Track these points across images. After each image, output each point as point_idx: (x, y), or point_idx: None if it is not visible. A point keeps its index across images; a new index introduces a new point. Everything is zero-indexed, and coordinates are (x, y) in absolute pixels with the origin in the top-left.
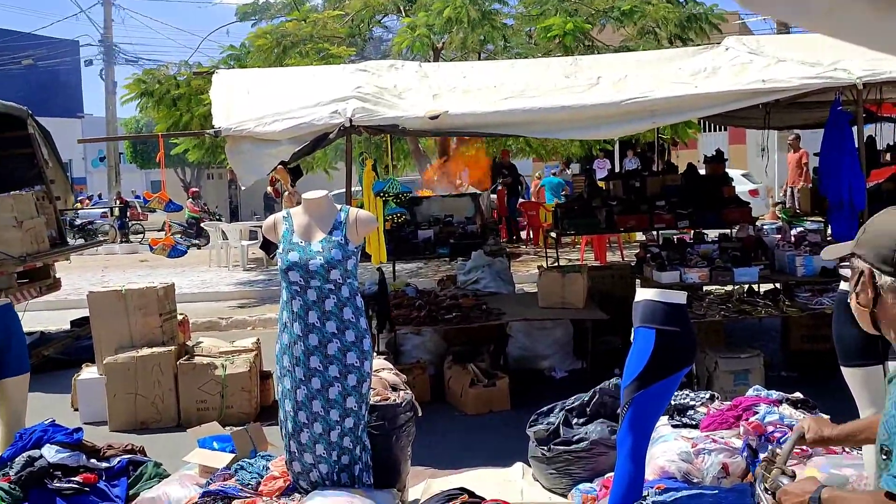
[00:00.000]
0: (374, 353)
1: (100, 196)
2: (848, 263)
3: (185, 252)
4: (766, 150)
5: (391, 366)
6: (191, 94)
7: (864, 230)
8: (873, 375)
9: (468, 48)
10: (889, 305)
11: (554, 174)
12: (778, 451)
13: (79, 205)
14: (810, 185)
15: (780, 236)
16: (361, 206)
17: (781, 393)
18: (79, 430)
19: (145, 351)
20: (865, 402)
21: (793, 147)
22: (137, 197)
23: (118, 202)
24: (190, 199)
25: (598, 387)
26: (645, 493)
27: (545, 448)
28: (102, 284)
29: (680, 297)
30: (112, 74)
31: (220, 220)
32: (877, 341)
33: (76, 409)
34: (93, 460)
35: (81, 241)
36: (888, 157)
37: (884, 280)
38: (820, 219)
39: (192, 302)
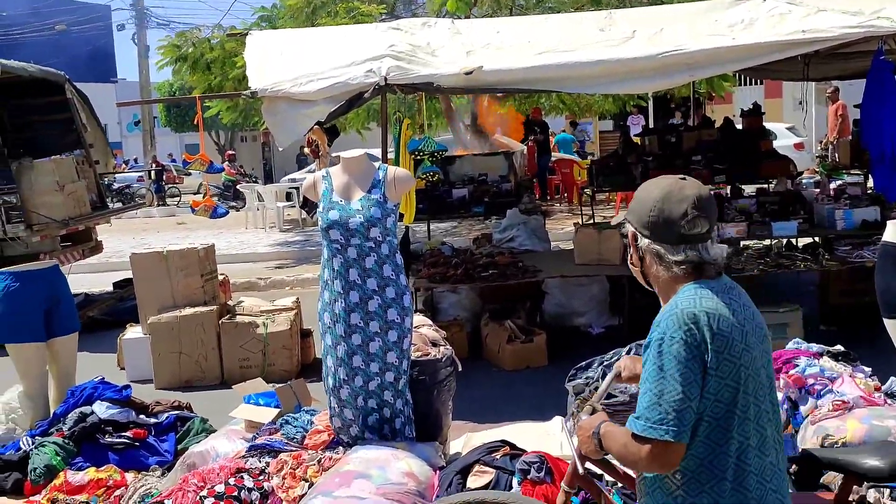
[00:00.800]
0: (414, 309)
1: (136, 160)
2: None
3: (227, 213)
4: (805, 103)
5: (431, 322)
6: (224, 56)
7: (636, 196)
8: None
9: (501, 3)
10: (648, 264)
11: (563, 131)
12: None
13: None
14: (849, 137)
15: (818, 190)
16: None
17: (822, 346)
18: (127, 387)
19: (188, 311)
20: None
21: (831, 99)
22: (174, 161)
23: (154, 166)
24: (226, 162)
25: (636, 342)
26: None
27: None
28: (143, 247)
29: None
30: (144, 38)
31: (255, 182)
32: None
33: (122, 368)
34: (142, 416)
35: (120, 204)
36: None
37: (643, 242)
38: (859, 171)
39: (230, 263)
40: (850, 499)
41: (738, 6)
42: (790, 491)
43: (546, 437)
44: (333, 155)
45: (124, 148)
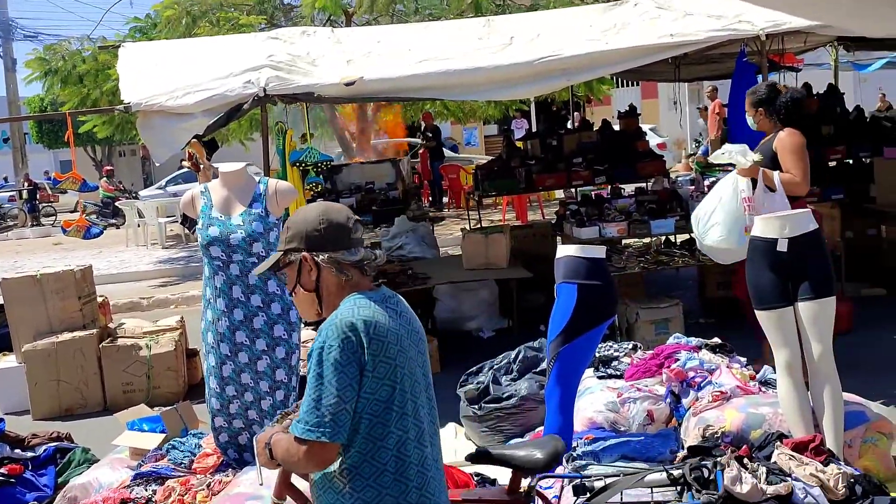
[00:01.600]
0: (302, 325)
1: (6, 179)
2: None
3: (102, 233)
4: (679, 103)
5: None
6: (97, 69)
7: (287, 229)
8: (785, 317)
9: (378, 10)
10: (325, 280)
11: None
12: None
13: None
14: (719, 135)
15: (693, 188)
16: (280, 177)
17: (701, 339)
18: (0, 420)
19: (66, 336)
20: (779, 342)
21: (710, 98)
22: (48, 178)
23: (26, 184)
24: (104, 178)
25: (524, 345)
26: (574, 444)
27: (476, 407)
28: (16, 270)
29: (599, 252)
30: (11, 51)
31: (136, 197)
32: (787, 285)
33: None
34: (17, 451)
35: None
36: None
37: (322, 257)
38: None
39: (111, 283)
40: (521, 489)
41: (611, 11)
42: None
43: (441, 443)
44: (215, 167)
45: None
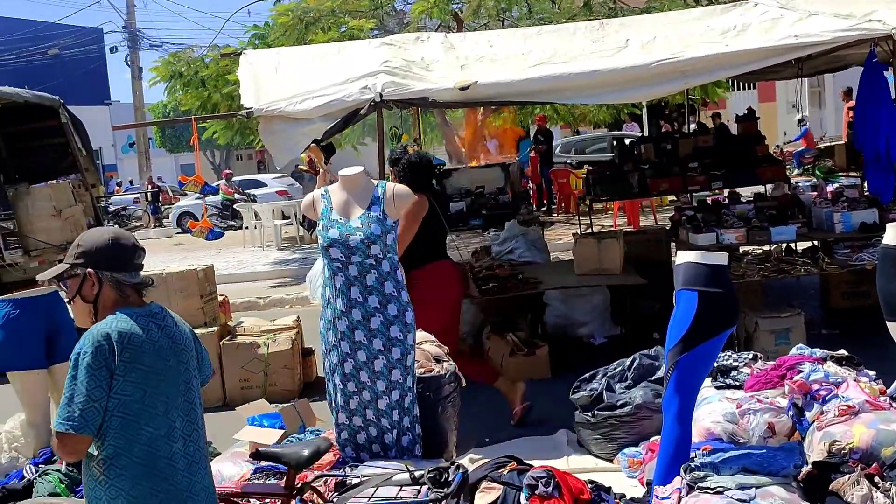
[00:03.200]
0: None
1: (131, 182)
2: None
3: (223, 234)
4: (793, 106)
5: (433, 338)
6: (218, 73)
7: (77, 245)
8: None
9: (488, 14)
10: (105, 295)
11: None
12: None
13: (116, 189)
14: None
15: (815, 193)
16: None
17: (826, 351)
18: None
19: None
20: None
21: (843, 100)
22: (163, 182)
23: (150, 187)
24: (224, 181)
25: (639, 352)
26: (692, 454)
27: (590, 414)
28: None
29: (721, 259)
30: (137, 60)
31: (254, 200)
32: None
33: None
34: None
35: (117, 227)
36: None
37: (106, 275)
38: (856, 174)
39: (229, 283)
40: (297, 484)
41: (730, 12)
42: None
43: (552, 451)
44: (337, 174)
45: (119, 170)
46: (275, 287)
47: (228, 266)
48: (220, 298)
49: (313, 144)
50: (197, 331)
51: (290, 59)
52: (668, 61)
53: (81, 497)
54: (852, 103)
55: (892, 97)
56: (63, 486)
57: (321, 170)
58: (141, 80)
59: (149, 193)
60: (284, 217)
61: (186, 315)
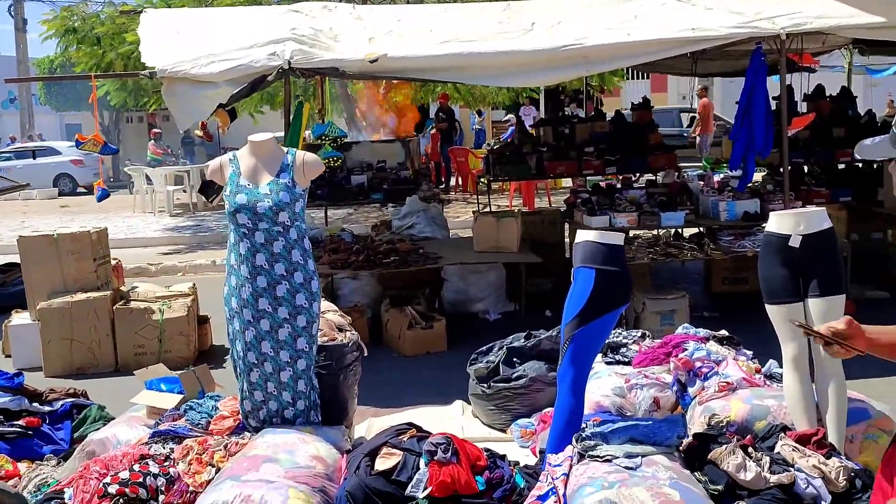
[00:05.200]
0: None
1: (12, 139)
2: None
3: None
4: (683, 98)
5: (336, 307)
6: (114, 31)
7: None
8: (794, 312)
9: None
10: None
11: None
12: None
13: None
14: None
15: (703, 182)
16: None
17: (709, 331)
18: (19, 374)
19: (80, 296)
20: (787, 336)
21: (699, 96)
22: (42, 140)
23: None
24: (152, 141)
25: (545, 335)
26: (583, 425)
27: (485, 385)
28: (27, 230)
29: (618, 239)
30: (22, 11)
31: (184, 162)
32: (798, 281)
33: (8, 356)
34: (35, 404)
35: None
36: (806, 106)
37: None
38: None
39: (119, 248)
40: None
41: (631, 1)
42: None
43: (447, 420)
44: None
45: None
46: (166, 254)
47: (118, 231)
48: (113, 262)
49: (220, 109)
50: (90, 294)
51: (194, 21)
52: (574, 47)
53: None
54: (706, 101)
55: (768, 96)
56: None
57: (223, 134)
58: (25, 33)
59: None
60: (177, 182)
61: (79, 277)
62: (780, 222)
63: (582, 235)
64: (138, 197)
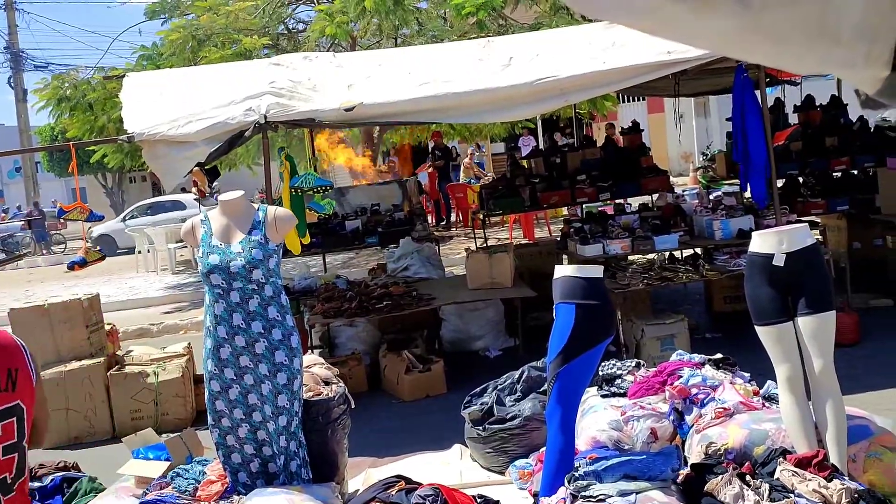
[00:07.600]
0: (309, 349)
1: (19, 208)
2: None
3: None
4: (681, 116)
5: (322, 360)
6: (105, 96)
7: None
8: (784, 332)
9: (384, 34)
10: None
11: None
12: None
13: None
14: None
15: (697, 202)
16: (281, 203)
17: (703, 355)
18: None
19: (73, 364)
20: (779, 357)
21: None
22: (53, 206)
23: (36, 213)
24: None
25: (527, 365)
26: (577, 464)
27: (480, 428)
28: (27, 299)
29: (596, 272)
30: (21, 82)
31: (183, 219)
32: (786, 300)
33: None
34: None
35: (2, 255)
36: (797, 117)
37: None
38: (736, 181)
39: (121, 310)
40: None
41: (611, 28)
42: None
43: (445, 466)
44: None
45: (6, 195)
46: (168, 313)
47: (120, 292)
48: (107, 327)
49: (196, 168)
50: (83, 362)
51: (176, 81)
52: (548, 80)
53: None
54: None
55: (759, 108)
56: None
57: (204, 193)
58: (26, 103)
59: (28, 221)
60: (179, 240)
61: (73, 345)
62: (762, 242)
63: (560, 271)
64: (140, 256)
